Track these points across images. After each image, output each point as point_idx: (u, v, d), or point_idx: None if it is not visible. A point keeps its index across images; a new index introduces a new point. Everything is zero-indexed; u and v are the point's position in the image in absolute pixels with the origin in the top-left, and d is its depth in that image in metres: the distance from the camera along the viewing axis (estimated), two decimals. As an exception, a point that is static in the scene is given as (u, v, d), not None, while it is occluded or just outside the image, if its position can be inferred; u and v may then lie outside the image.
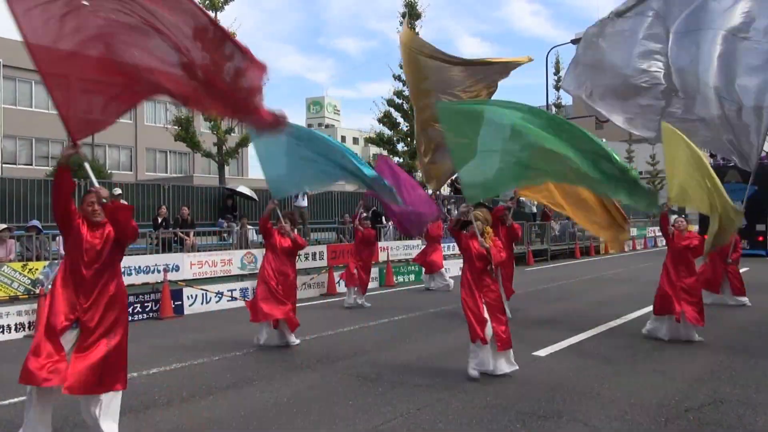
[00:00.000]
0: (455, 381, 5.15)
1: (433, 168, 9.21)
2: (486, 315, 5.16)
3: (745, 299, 9.39)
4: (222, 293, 9.81)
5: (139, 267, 9.11)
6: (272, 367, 5.77)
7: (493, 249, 5.21)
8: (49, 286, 8.15)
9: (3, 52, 24.41)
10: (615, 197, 6.42)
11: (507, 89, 66.04)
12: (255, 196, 14.29)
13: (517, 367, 5.28)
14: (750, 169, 7.60)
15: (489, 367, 5.23)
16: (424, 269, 12.03)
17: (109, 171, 24.70)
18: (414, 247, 14.02)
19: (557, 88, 31.82)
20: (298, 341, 6.74)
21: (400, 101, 21.25)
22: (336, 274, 11.56)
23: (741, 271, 9.94)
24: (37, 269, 8.25)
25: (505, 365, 5.26)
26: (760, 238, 18.36)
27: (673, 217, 7.04)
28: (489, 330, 5.13)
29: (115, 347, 3.74)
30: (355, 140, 77.11)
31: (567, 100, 34.47)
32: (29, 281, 8.11)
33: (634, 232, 25.11)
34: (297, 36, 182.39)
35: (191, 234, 11.45)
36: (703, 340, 6.60)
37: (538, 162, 4.96)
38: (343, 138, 78.51)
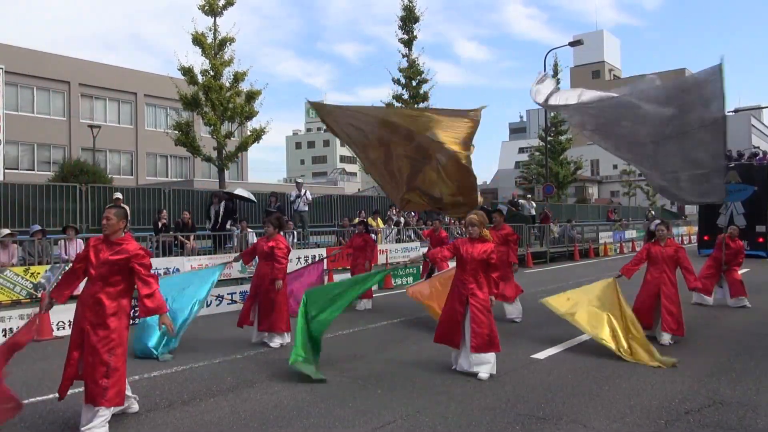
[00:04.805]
0: (454, 384, 5.16)
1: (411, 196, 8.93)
2: (458, 316, 5.43)
3: (745, 301, 9.40)
4: (222, 296, 9.84)
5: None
6: (272, 369, 5.79)
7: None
8: (51, 290, 8.20)
9: (5, 59, 24.50)
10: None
11: (507, 92, 66.28)
12: (254, 198, 14.29)
13: (489, 372, 5.27)
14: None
15: (462, 363, 5.46)
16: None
17: (110, 176, 24.74)
18: (413, 249, 14.05)
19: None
20: (276, 345, 6.78)
21: (399, 105, 21.30)
22: (336, 277, 11.58)
23: (741, 272, 9.95)
24: (39, 273, 8.28)
25: (475, 365, 5.31)
26: (761, 240, 18.35)
27: (655, 222, 7.10)
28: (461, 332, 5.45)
29: None
30: (356, 144, 77.23)
31: (566, 102, 34.38)
32: (31, 285, 8.14)
33: (633, 234, 25.11)
34: (296, 41, 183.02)
35: (191, 237, 11.48)
36: (673, 343, 6.66)
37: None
38: (343, 142, 78.77)
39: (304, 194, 14.37)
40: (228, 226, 12.64)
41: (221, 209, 12.71)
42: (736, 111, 42.20)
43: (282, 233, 7.19)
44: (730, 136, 8.63)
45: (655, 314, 6.89)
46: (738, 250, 9.56)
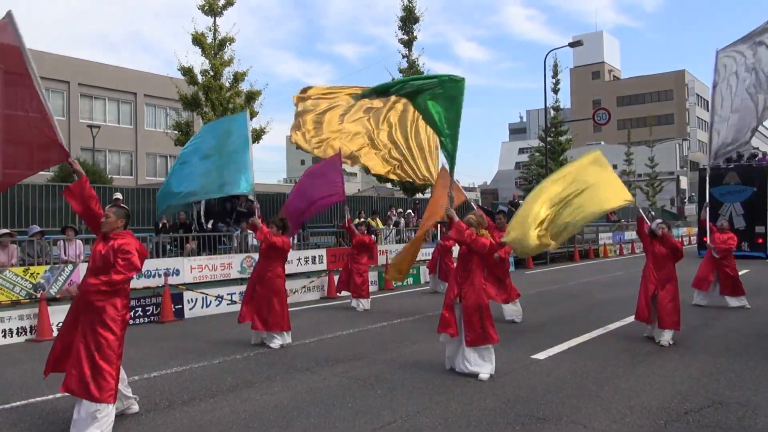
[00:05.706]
0: (454, 384, 5.16)
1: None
2: (451, 310, 5.41)
3: (744, 301, 9.41)
4: (222, 297, 9.84)
5: (141, 271, 9.14)
6: (272, 369, 5.79)
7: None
8: (51, 291, 8.19)
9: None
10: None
11: (508, 93, 66.42)
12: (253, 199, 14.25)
13: (489, 373, 5.27)
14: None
15: (459, 364, 5.39)
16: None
17: (109, 176, 24.74)
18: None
19: (555, 90, 31.95)
20: (276, 345, 6.76)
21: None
22: (336, 278, 11.59)
23: (741, 273, 9.96)
24: (38, 274, 8.28)
25: (474, 366, 5.30)
26: (760, 240, 18.36)
27: (656, 221, 7.09)
28: (454, 325, 5.41)
29: None
30: (355, 144, 77.16)
31: (566, 103, 34.54)
32: (31, 286, 8.14)
33: (633, 235, 25.09)
34: (295, 42, 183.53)
35: (191, 238, 11.47)
36: (672, 343, 6.64)
37: None
38: (343, 142, 78.79)
39: None
40: (209, 226, 12.39)
41: (202, 208, 12.53)
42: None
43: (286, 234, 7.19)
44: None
45: (653, 311, 6.87)
46: (727, 238, 9.61)
